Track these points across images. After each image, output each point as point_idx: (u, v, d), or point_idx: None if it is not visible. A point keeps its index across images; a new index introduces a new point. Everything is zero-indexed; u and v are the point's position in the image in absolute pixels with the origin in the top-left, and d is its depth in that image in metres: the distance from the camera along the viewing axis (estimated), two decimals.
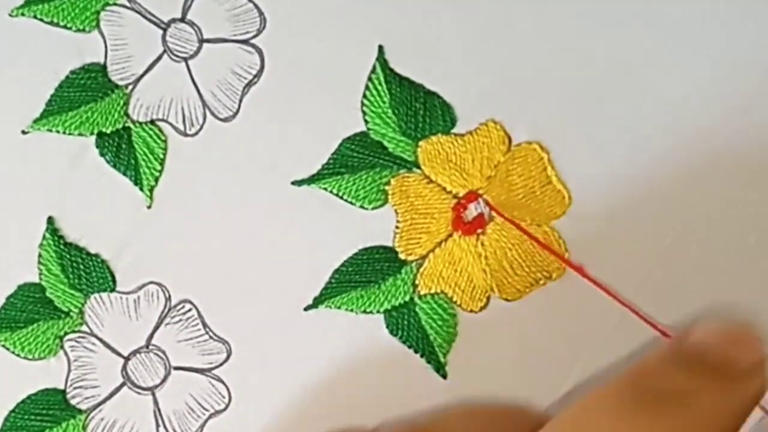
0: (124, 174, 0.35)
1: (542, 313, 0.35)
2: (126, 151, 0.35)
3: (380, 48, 0.35)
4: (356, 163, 0.35)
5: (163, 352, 0.35)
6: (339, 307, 0.35)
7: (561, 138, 0.35)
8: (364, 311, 0.35)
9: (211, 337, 0.35)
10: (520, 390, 0.35)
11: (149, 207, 0.35)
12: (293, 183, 0.35)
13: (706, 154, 0.34)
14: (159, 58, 0.35)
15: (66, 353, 0.36)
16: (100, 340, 0.36)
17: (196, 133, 0.35)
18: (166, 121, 0.35)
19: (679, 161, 0.34)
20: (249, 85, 0.35)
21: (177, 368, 0.36)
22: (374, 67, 0.35)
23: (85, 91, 0.35)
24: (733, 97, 0.34)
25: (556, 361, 0.35)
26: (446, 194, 0.35)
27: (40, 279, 0.35)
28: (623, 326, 0.34)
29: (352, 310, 0.35)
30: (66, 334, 0.36)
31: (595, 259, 0.34)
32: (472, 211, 0.35)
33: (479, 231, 0.35)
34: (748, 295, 0.34)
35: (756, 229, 0.34)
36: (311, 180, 0.35)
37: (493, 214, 0.35)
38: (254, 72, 0.35)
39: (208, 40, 0.35)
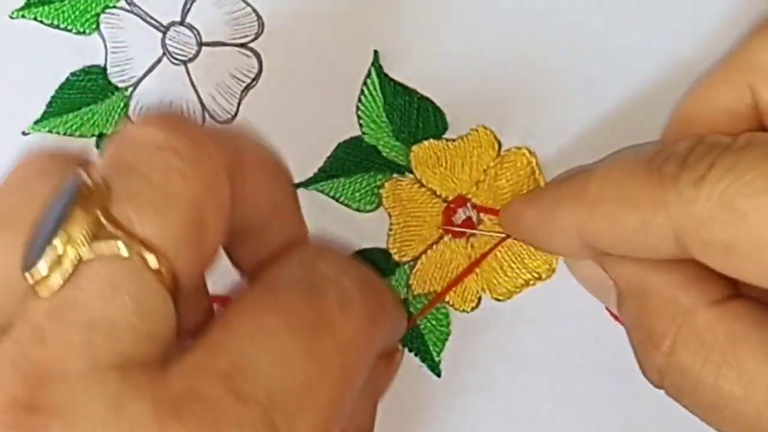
0: None
1: (534, 312, 0.36)
2: None
3: (375, 53, 0.36)
4: (351, 166, 0.36)
5: None
6: None
7: (550, 143, 0.36)
8: None
9: None
10: (513, 388, 0.36)
11: None
12: None
13: None
14: (158, 60, 0.35)
15: None
16: None
17: None
18: None
19: None
20: (247, 88, 0.36)
21: None
22: (369, 72, 0.36)
23: (85, 93, 0.35)
24: None
25: (548, 359, 0.36)
26: (437, 198, 0.36)
27: None
28: (614, 325, 0.35)
29: None
30: None
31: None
32: (460, 214, 0.36)
33: (468, 233, 0.36)
34: None
35: None
36: (308, 183, 0.36)
37: (482, 216, 0.36)
38: (252, 75, 0.36)
39: (207, 44, 0.36)
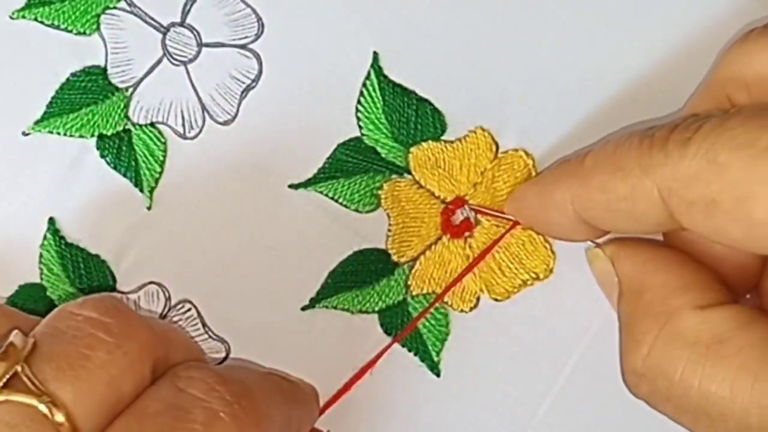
0: (125, 176, 0.35)
1: (532, 312, 0.36)
2: (126, 153, 0.35)
3: (375, 54, 0.36)
4: (350, 167, 0.36)
5: None
6: (335, 308, 0.36)
7: (547, 145, 0.36)
8: (359, 311, 0.36)
9: (210, 337, 0.36)
10: (511, 388, 0.36)
11: (149, 208, 0.36)
12: (290, 186, 0.36)
13: None
14: (159, 61, 0.35)
15: None
16: None
17: (195, 136, 0.36)
18: (165, 123, 0.36)
19: None
20: (247, 89, 0.36)
21: None
22: (369, 74, 0.36)
23: (85, 94, 0.35)
24: None
25: (547, 359, 0.36)
26: (435, 199, 0.36)
27: (41, 279, 0.35)
28: (611, 324, 0.35)
29: (347, 310, 0.36)
30: None
31: (581, 262, 0.35)
32: (459, 215, 0.36)
33: (467, 234, 0.36)
34: None
35: None
36: (307, 184, 0.36)
37: (479, 217, 0.36)
38: (252, 76, 0.36)
39: (207, 45, 0.36)
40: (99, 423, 0.28)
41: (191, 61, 0.36)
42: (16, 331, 0.29)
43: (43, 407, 0.27)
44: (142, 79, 0.35)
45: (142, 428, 0.28)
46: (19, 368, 0.27)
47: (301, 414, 0.34)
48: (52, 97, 0.35)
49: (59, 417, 0.27)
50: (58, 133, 0.35)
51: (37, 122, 0.35)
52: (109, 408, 0.28)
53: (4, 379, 0.27)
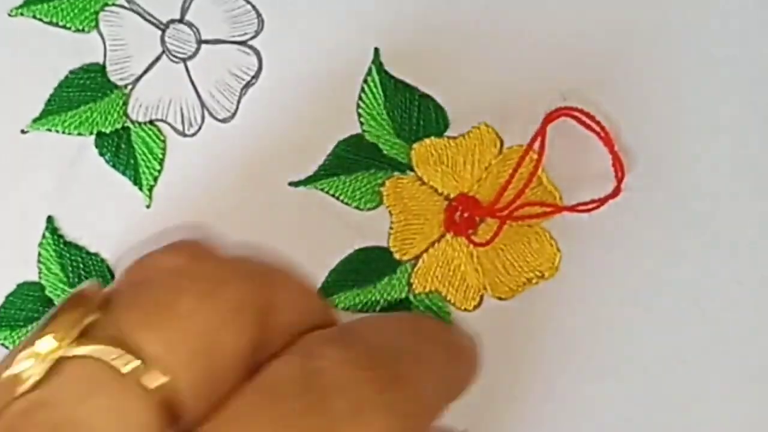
0: (124, 174, 0.35)
1: (537, 311, 0.36)
2: (125, 150, 0.35)
3: (376, 50, 0.35)
4: (352, 164, 0.36)
5: None
6: (336, 306, 0.36)
7: (552, 140, 0.35)
8: (361, 310, 0.36)
9: None
10: (513, 387, 0.36)
11: (148, 207, 0.35)
12: (290, 184, 0.36)
13: (698, 156, 0.35)
14: (158, 58, 0.35)
15: None
16: None
17: (195, 134, 0.36)
18: (165, 121, 0.35)
19: (669, 164, 0.35)
20: (247, 86, 0.35)
21: None
22: (370, 70, 0.35)
23: (84, 91, 0.35)
24: (725, 95, 0.35)
25: (550, 359, 0.36)
26: (438, 196, 0.36)
27: (40, 278, 0.35)
28: (618, 324, 0.35)
29: (348, 309, 0.36)
30: None
31: (586, 261, 0.35)
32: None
33: (470, 231, 0.36)
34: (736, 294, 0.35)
35: (752, 225, 0.35)
36: (308, 181, 0.36)
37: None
38: (252, 73, 0.35)
39: (207, 41, 0.35)
40: (193, 381, 0.24)
41: (190, 58, 0.35)
42: (91, 281, 0.26)
43: (122, 362, 0.23)
44: (141, 77, 0.35)
45: (274, 411, 0.23)
46: (93, 317, 0.24)
47: (459, 376, 0.31)
48: (51, 95, 0.35)
49: (141, 369, 0.23)
50: (57, 131, 0.35)
51: (35, 120, 0.35)
52: (203, 366, 0.24)
53: (78, 330, 0.24)
